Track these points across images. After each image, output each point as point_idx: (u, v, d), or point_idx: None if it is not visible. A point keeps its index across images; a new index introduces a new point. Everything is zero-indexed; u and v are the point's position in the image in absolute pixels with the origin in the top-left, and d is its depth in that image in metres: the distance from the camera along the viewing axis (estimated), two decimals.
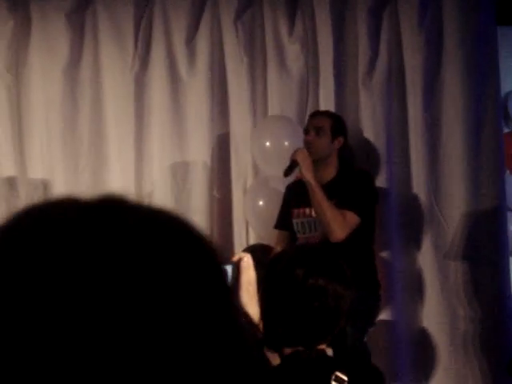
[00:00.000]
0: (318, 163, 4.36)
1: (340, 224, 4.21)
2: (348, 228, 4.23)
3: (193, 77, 5.07)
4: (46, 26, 5.06)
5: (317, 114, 4.61)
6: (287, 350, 2.17)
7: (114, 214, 0.64)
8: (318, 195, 4.23)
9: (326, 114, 4.61)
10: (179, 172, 5.07)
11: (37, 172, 5.07)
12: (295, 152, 4.32)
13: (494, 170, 4.94)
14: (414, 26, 4.98)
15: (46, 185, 5.08)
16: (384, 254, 4.90)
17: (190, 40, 5.06)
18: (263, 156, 4.81)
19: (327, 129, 4.45)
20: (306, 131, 4.49)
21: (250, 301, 2.20)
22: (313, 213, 4.38)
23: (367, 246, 4.44)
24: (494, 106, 4.98)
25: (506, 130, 5.49)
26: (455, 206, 4.93)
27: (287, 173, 4.37)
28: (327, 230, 4.22)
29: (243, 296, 2.21)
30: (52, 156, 5.06)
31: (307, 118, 4.67)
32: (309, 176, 4.25)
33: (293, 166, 4.32)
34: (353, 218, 4.27)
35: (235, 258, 2.28)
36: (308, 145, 4.41)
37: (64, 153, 5.05)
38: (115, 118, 5.05)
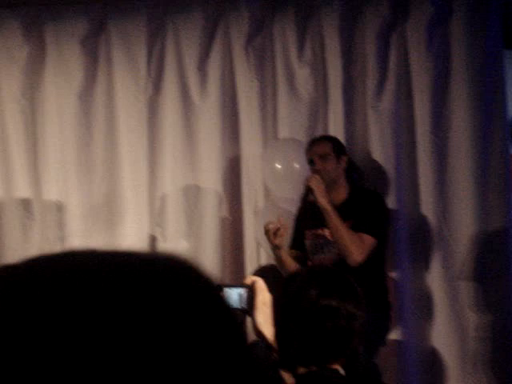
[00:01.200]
0: (328, 186, 4.40)
1: (358, 247, 4.25)
2: (366, 251, 4.27)
3: (204, 101, 5.14)
4: (60, 51, 5.15)
5: (315, 141, 4.61)
6: (301, 370, 2.21)
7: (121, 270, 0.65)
8: (335, 220, 4.26)
9: (325, 138, 4.64)
10: (191, 194, 5.13)
11: (51, 194, 5.15)
12: (308, 178, 4.35)
13: (501, 191, 4.97)
14: (421, 49, 5.03)
15: (60, 207, 5.14)
16: (393, 275, 4.94)
17: (202, 64, 5.14)
18: (274, 178, 4.86)
19: (331, 152, 4.49)
20: (311, 161, 4.50)
21: (265, 322, 2.25)
22: (326, 234, 4.43)
23: (380, 266, 4.48)
24: (501, 128, 5.01)
25: None
26: (463, 227, 4.96)
27: (306, 200, 4.40)
28: (345, 253, 4.25)
29: (258, 317, 2.26)
30: (66, 178, 5.13)
31: (306, 147, 4.65)
32: (324, 202, 4.28)
33: (308, 193, 4.35)
34: (369, 241, 4.31)
35: (249, 281, 2.33)
36: (317, 173, 4.43)
37: (78, 175, 5.13)
38: (128, 142, 5.13)
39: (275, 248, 4.35)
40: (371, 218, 4.36)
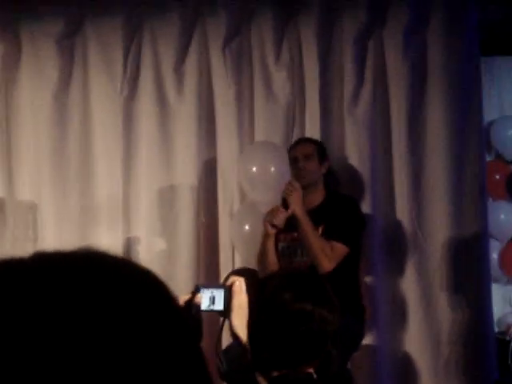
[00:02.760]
0: (306, 189, 4.41)
1: (328, 256, 4.26)
2: (336, 260, 4.28)
3: (181, 103, 5.12)
4: (35, 50, 5.11)
5: (301, 141, 4.68)
6: (275, 373, 2.21)
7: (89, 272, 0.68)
8: (307, 229, 4.26)
9: (310, 140, 4.68)
10: (166, 196, 5.11)
11: (24, 194, 5.11)
12: (287, 186, 4.34)
13: (476, 197, 4.99)
14: (398, 55, 5.05)
15: (33, 208, 5.11)
16: (368, 279, 4.95)
17: (179, 66, 5.12)
18: (250, 181, 4.85)
19: (315, 154, 4.52)
20: (295, 159, 4.53)
21: (241, 324, 2.24)
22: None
23: (353, 271, 4.48)
24: (477, 134, 5.04)
25: (488, 158, 5.58)
26: (438, 233, 4.98)
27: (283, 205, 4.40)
28: (315, 262, 4.26)
29: (234, 319, 2.25)
30: (40, 179, 5.09)
31: (290, 146, 4.70)
32: (298, 210, 4.28)
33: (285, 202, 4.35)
34: (341, 249, 4.31)
35: (228, 282, 2.32)
36: (300, 172, 4.46)
37: (52, 176, 5.09)
38: (103, 142, 5.10)
39: (272, 229, 4.34)
40: (344, 225, 4.36)
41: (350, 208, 4.49)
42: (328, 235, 4.31)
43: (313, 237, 4.26)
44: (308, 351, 2.21)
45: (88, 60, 5.13)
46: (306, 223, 4.26)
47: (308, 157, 4.50)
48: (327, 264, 4.24)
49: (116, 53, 5.12)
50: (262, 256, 4.42)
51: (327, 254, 4.25)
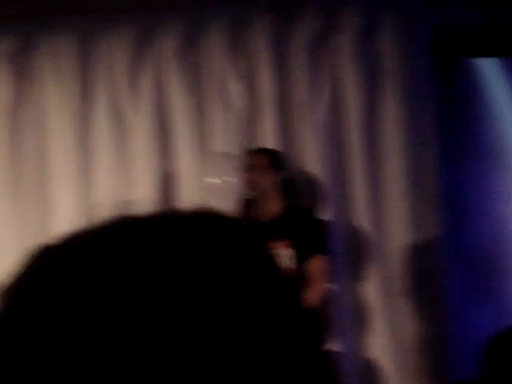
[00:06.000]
0: (261, 199, 4.41)
1: (319, 294, 4.37)
2: (325, 277, 4.42)
3: (137, 117, 5.11)
4: None
5: (255, 152, 4.67)
6: None
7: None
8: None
9: (264, 150, 4.68)
10: (126, 211, 5.08)
11: None
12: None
13: (433, 201, 5.03)
14: (352, 61, 5.09)
15: None
16: (332, 287, 4.96)
17: (134, 81, 5.11)
18: (209, 192, 4.85)
19: (267, 165, 4.52)
20: (247, 169, 4.55)
21: None
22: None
23: None
24: (431, 142, 5.08)
25: None
26: (397, 237, 5.00)
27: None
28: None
29: None
30: None
31: (245, 156, 4.72)
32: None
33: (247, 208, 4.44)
34: (324, 263, 4.41)
35: None
36: (251, 182, 4.47)
37: (8, 193, 5.04)
38: (61, 158, 5.07)
39: None
40: (319, 238, 4.44)
41: (315, 220, 4.54)
42: (308, 250, 4.36)
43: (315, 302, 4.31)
44: None
45: (43, 75, 5.10)
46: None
47: (259, 168, 4.51)
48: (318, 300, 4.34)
49: (71, 67, 5.10)
50: None
51: (319, 294, 4.36)
